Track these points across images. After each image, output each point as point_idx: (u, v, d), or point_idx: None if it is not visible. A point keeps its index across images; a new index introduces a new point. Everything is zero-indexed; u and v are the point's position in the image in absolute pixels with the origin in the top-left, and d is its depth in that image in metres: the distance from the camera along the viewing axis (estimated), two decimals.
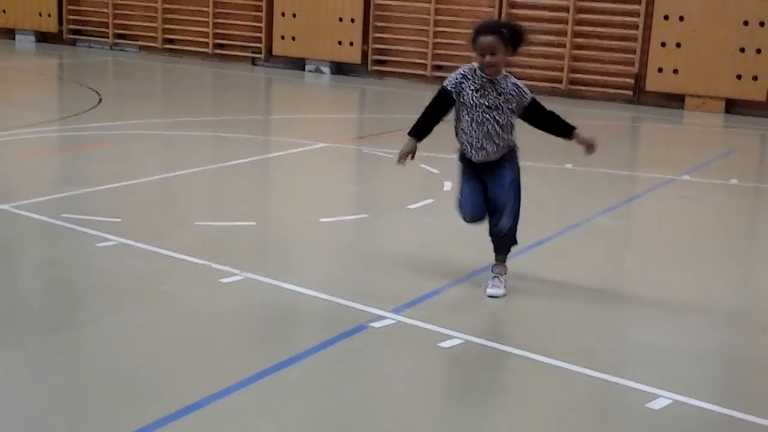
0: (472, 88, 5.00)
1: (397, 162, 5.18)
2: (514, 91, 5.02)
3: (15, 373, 3.94)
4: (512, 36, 4.94)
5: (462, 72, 5.05)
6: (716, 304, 5.39)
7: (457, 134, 5.15)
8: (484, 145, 5.04)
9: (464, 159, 5.18)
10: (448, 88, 5.03)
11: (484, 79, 4.99)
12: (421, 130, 5.11)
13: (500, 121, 5.02)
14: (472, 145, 5.07)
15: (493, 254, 5.29)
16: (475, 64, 5.02)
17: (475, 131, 5.04)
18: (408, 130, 5.15)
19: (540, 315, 4.96)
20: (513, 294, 5.26)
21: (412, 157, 5.14)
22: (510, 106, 5.02)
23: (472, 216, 5.24)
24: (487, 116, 5.02)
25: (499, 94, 5.00)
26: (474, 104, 5.01)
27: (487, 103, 5.00)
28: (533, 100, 5.08)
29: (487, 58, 4.92)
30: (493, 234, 5.23)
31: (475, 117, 5.02)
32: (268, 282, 5.18)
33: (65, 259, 5.51)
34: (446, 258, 5.84)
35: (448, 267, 5.61)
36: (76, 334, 4.41)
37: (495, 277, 5.23)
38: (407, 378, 4.12)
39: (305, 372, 4.09)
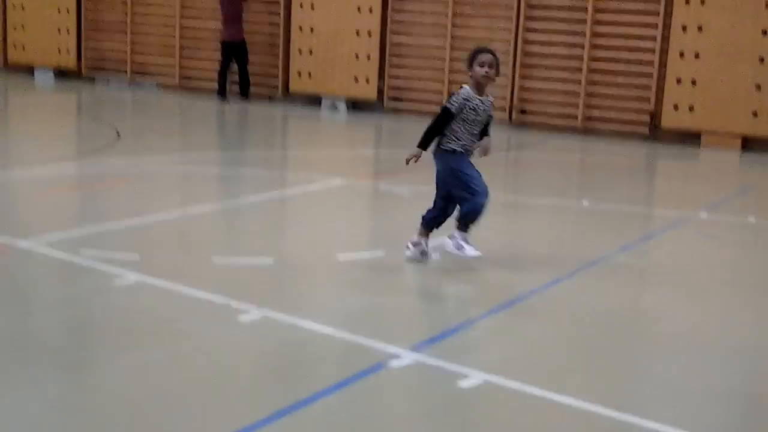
0: (471, 106, 6.15)
1: (405, 163, 6.27)
2: (491, 107, 6.35)
3: (32, 413, 3.95)
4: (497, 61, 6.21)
5: (463, 96, 6.16)
6: (736, 342, 5.35)
7: (450, 138, 6.23)
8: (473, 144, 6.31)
9: (462, 151, 6.26)
10: (452, 110, 6.17)
11: (478, 99, 6.19)
12: (428, 142, 6.33)
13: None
14: (465, 148, 6.24)
15: (461, 228, 6.19)
16: (468, 88, 6.18)
17: (468, 136, 6.23)
18: (417, 144, 6.33)
19: (559, 353, 4.94)
20: (532, 331, 5.24)
21: (416, 161, 6.27)
22: (484, 118, 6.31)
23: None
24: (476, 128, 6.27)
25: (484, 111, 6.25)
26: (471, 119, 6.19)
27: (479, 119, 6.24)
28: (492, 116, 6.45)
29: (486, 69, 6.12)
30: (480, 211, 6.16)
31: (468, 129, 6.21)
32: (286, 320, 5.18)
33: (83, 297, 5.53)
34: (464, 295, 5.83)
35: (467, 304, 5.60)
36: (93, 373, 4.42)
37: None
38: (426, 418, 4.10)
39: (322, 412, 4.08)
